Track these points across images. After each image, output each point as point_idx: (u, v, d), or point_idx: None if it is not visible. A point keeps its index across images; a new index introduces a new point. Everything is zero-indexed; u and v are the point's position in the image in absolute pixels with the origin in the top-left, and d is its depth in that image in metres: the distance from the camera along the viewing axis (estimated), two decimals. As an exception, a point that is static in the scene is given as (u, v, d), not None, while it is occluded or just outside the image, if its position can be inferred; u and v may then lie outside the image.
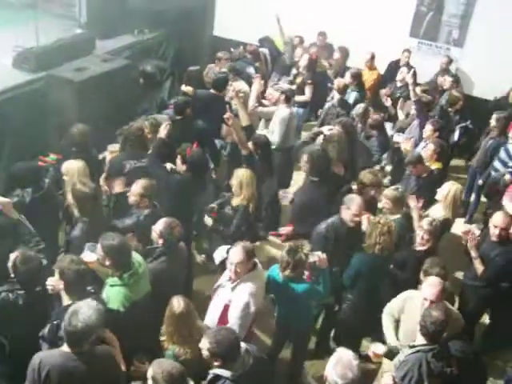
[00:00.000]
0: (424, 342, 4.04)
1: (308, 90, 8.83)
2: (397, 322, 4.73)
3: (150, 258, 4.77)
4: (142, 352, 4.18)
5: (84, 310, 3.53)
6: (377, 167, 7.48)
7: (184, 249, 5.06)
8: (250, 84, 7.94)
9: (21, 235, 4.64)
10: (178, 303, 4.07)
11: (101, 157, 6.46)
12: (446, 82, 9.01)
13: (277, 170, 6.72)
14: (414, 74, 7.89)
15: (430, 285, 4.43)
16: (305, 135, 7.66)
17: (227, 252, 4.59)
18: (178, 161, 5.86)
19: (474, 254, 5.41)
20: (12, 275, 4.15)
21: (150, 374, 3.50)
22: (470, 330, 5.45)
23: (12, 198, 4.97)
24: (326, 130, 6.75)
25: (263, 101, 7.91)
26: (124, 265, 4.31)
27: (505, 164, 7.52)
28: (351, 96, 8.57)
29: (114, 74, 7.64)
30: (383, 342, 4.71)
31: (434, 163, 6.62)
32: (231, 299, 4.44)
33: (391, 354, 4.45)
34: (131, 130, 6.13)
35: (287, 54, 9.74)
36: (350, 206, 5.21)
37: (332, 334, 5.64)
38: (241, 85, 7.83)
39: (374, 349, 4.57)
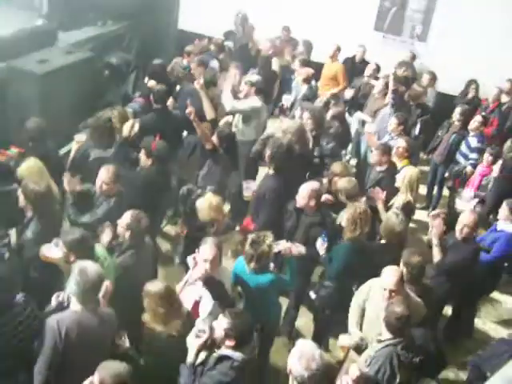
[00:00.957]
0: (391, 336, 4.07)
1: None
2: (363, 311, 4.75)
3: (117, 253, 4.73)
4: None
5: (90, 265, 3.82)
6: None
7: (150, 243, 5.02)
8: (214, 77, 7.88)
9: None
10: (155, 284, 4.10)
11: (63, 151, 6.36)
12: (424, 78, 9.15)
13: (244, 162, 6.70)
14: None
15: (388, 274, 4.45)
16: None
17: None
18: (143, 155, 5.81)
19: (435, 241, 5.50)
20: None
21: (96, 380, 3.38)
22: (432, 320, 5.54)
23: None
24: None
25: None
26: (89, 257, 4.24)
27: (465, 157, 7.70)
28: (303, 89, 8.57)
29: (77, 66, 7.49)
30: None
31: (403, 161, 6.63)
32: (202, 295, 4.43)
33: (358, 346, 4.49)
34: (100, 120, 6.05)
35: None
36: None
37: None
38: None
39: (341, 340, 4.62)
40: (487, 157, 7.32)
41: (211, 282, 4.39)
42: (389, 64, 8.95)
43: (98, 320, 3.83)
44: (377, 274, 4.60)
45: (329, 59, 9.43)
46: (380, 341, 4.13)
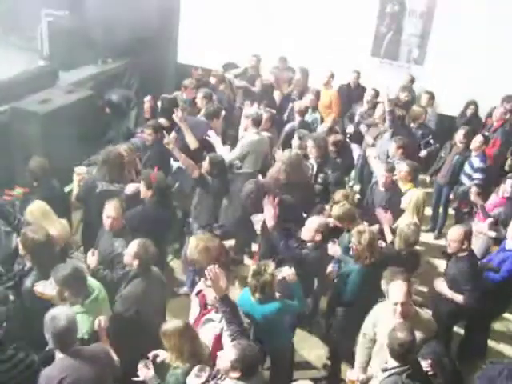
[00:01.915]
0: (396, 363, 3.93)
1: None
2: (374, 341, 4.67)
3: (124, 283, 4.70)
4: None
5: (61, 311, 3.72)
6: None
7: (158, 272, 4.95)
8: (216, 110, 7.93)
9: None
10: (171, 323, 4.07)
11: (68, 189, 6.39)
12: (422, 98, 9.18)
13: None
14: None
15: (395, 289, 4.36)
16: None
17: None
18: (143, 187, 5.81)
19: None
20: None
21: None
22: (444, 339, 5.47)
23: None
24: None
25: None
26: (82, 290, 4.25)
27: (469, 177, 7.65)
28: (311, 118, 8.60)
29: (78, 104, 7.62)
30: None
31: (407, 184, 6.58)
32: (223, 327, 4.39)
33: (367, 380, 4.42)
34: (111, 155, 6.04)
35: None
36: None
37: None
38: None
39: (349, 375, 4.56)
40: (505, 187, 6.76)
41: (228, 299, 4.34)
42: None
43: (89, 359, 3.75)
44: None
45: (323, 86, 9.50)
46: (385, 369, 3.99)
